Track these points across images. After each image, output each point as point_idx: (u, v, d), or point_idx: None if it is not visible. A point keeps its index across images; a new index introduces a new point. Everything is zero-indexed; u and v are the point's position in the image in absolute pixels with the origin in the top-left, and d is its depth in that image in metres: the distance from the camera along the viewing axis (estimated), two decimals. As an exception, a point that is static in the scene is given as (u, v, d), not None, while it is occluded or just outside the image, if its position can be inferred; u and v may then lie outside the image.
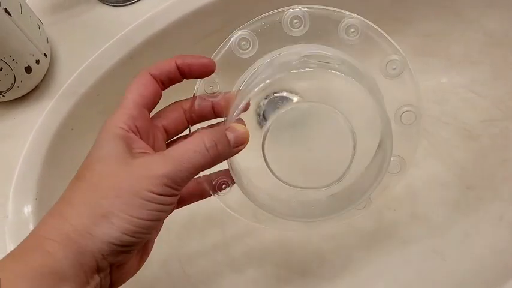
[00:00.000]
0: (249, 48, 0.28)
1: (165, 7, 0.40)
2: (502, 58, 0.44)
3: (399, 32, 0.47)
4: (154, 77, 0.27)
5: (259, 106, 0.30)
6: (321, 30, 0.27)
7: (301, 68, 0.25)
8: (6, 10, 0.33)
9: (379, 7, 0.45)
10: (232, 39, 0.28)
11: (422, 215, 0.41)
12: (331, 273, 0.40)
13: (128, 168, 0.23)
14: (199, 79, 0.29)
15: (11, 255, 0.21)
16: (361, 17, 0.26)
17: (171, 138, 0.29)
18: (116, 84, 0.40)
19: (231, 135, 0.25)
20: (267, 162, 0.29)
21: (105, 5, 0.42)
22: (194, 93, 0.29)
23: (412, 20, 0.46)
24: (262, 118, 0.30)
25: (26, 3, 0.37)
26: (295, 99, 0.28)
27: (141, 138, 0.25)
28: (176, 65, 0.27)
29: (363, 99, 0.25)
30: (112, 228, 0.21)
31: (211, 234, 0.42)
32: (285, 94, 0.30)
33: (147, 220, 0.22)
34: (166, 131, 0.29)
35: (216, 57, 0.29)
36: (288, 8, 0.27)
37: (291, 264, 0.41)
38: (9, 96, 0.37)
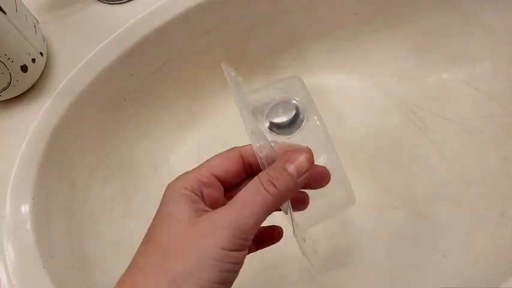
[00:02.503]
0: None
1: (162, 4, 0.40)
2: (502, 53, 0.44)
3: (398, 28, 0.47)
4: (244, 159, 0.25)
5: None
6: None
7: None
8: (0, 8, 0.32)
9: (378, 3, 0.45)
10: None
11: (423, 212, 0.41)
12: (330, 270, 0.40)
13: (194, 225, 0.22)
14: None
15: None
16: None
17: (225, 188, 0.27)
18: (114, 82, 0.40)
19: (291, 167, 0.23)
20: None
21: (102, 3, 0.42)
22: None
23: (411, 15, 0.46)
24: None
25: (22, 2, 0.37)
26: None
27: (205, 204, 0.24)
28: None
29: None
30: None
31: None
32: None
33: (218, 283, 0.21)
34: (221, 181, 0.26)
35: None
36: None
37: (290, 263, 0.40)
38: (6, 95, 0.37)
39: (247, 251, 0.22)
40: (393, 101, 0.46)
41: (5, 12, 0.33)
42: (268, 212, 0.22)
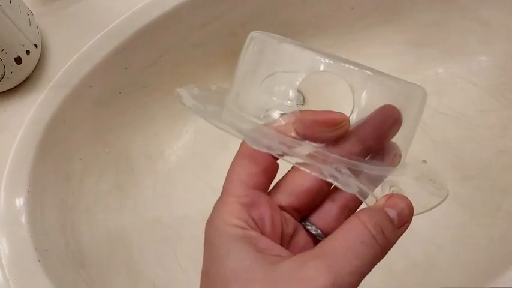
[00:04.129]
0: None
1: (158, -4, 0.39)
2: (499, 48, 0.44)
3: (396, 22, 0.47)
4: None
5: None
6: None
7: None
8: (-6, -1, 0.32)
9: (375, -3, 0.45)
10: None
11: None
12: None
13: (277, 284, 0.17)
14: None
15: None
16: None
17: (304, 215, 0.22)
18: (109, 75, 0.40)
19: (392, 213, 0.18)
20: None
21: (97, -5, 0.41)
22: None
23: (408, 10, 0.46)
24: None
25: (16, -7, 0.36)
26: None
27: (262, 232, 0.19)
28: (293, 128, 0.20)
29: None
30: None
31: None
32: None
33: None
34: (296, 209, 0.21)
35: None
36: None
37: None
38: (0, 88, 0.36)
39: None
40: (390, 95, 0.46)
41: (-2, 3, 0.32)
42: (371, 268, 0.17)
